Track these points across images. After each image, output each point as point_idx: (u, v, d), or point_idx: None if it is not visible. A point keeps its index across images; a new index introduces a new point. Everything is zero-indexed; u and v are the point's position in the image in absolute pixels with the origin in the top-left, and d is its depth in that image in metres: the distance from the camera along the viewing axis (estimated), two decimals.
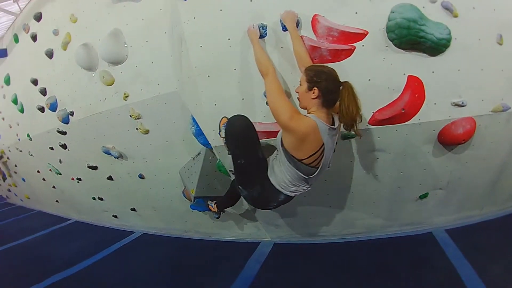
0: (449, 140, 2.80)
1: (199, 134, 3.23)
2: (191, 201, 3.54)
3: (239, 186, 2.56)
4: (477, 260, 2.75)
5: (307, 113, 2.28)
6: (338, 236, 3.53)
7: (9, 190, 8.74)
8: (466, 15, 2.55)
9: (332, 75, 2.22)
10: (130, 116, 3.66)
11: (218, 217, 3.57)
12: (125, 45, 3.44)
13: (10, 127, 6.22)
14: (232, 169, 3.13)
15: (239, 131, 2.40)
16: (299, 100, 2.35)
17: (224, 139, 2.69)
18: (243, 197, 2.64)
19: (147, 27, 3.28)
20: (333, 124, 2.29)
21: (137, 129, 3.74)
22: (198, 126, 3.19)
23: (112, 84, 3.67)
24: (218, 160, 3.29)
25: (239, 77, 2.76)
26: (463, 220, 3.38)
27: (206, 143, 3.24)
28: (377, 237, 3.43)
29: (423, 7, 2.47)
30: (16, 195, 8.45)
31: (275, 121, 2.26)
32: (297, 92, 2.33)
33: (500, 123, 2.86)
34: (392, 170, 3.02)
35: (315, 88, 2.20)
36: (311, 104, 2.25)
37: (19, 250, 4.95)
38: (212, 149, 3.25)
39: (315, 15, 2.55)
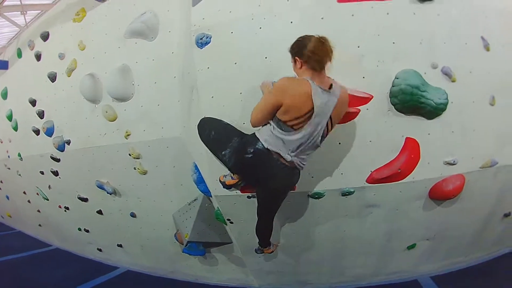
0: (440, 196, 2.92)
1: (200, 181, 3.18)
2: (183, 244, 3.47)
3: (221, 155, 2.60)
4: None
5: None
6: (326, 285, 3.52)
7: None
8: (463, 79, 2.71)
9: (307, 38, 2.19)
10: (130, 155, 3.58)
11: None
12: (133, 83, 3.39)
13: (1, 142, 6.05)
14: (230, 219, 3.14)
15: (207, 118, 2.70)
16: None
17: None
18: (225, 158, 2.59)
19: (157, 69, 3.26)
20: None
21: (135, 168, 3.65)
22: (200, 174, 3.14)
23: (114, 120, 3.60)
24: (217, 209, 3.22)
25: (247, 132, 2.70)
26: (449, 267, 3.46)
27: (206, 191, 3.19)
28: (364, 286, 3.46)
29: (425, 72, 2.61)
30: None
31: None
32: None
33: (488, 178, 3.00)
34: (384, 224, 3.09)
35: (296, 58, 2.22)
36: (304, 75, 2.22)
37: None
38: (210, 197, 3.20)
39: None
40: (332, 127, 2.34)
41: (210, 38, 2.73)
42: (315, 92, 2.15)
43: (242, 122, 2.69)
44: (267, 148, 2.31)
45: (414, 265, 3.41)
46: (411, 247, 3.25)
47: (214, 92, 2.75)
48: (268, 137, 2.31)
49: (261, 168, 2.39)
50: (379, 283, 3.44)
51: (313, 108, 2.16)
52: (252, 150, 2.36)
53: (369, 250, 3.27)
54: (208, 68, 2.74)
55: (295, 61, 2.26)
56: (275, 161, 2.33)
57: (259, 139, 2.34)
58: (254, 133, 2.41)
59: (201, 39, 2.74)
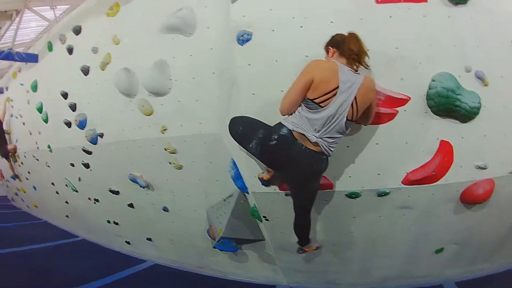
0: (471, 199, 2.92)
1: (237, 178, 3.19)
2: (215, 240, 3.50)
3: (249, 147, 2.59)
4: None
5: None
6: (353, 285, 3.53)
7: (16, 194, 8.62)
8: (495, 83, 2.72)
9: (339, 34, 2.44)
10: (165, 149, 3.59)
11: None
12: (170, 78, 3.40)
13: (30, 133, 6.17)
14: (266, 216, 3.16)
15: (235, 117, 2.74)
16: None
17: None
18: (253, 150, 2.57)
19: (196, 64, 3.26)
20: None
21: (170, 163, 3.67)
22: (237, 170, 3.16)
23: (150, 114, 3.63)
24: (253, 206, 3.24)
25: None
26: (473, 273, 3.44)
27: (243, 187, 3.21)
28: None
29: (459, 76, 2.63)
30: (23, 200, 8.30)
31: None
32: None
33: None
34: (415, 226, 3.09)
35: (329, 47, 2.46)
36: None
37: (21, 258, 4.80)
38: (247, 193, 3.22)
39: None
40: (357, 112, 2.37)
41: (251, 35, 2.74)
42: (342, 70, 2.31)
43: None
44: (291, 133, 2.37)
45: (440, 270, 3.39)
46: (439, 251, 3.24)
47: (255, 89, 2.77)
48: (294, 118, 2.39)
49: (285, 154, 2.41)
50: (405, 286, 3.44)
51: (338, 85, 2.28)
52: (276, 137, 2.40)
53: (398, 252, 3.27)
54: (249, 65, 2.76)
55: (327, 51, 2.47)
56: (299, 146, 2.37)
57: (284, 125, 2.40)
58: (280, 121, 2.46)
59: (242, 36, 2.74)
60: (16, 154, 7.16)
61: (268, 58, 2.73)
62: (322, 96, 2.28)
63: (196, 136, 3.37)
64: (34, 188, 7.10)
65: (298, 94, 2.34)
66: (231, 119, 2.73)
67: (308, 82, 2.30)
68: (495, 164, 2.82)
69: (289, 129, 2.37)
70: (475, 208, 2.99)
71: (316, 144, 2.36)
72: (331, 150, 2.42)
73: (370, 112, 2.51)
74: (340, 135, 2.41)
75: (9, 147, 7.24)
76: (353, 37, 2.36)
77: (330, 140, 2.38)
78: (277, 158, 2.50)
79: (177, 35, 3.34)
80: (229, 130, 2.73)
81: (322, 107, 2.29)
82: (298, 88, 2.34)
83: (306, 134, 2.34)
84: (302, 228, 2.89)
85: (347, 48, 2.34)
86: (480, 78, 2.69)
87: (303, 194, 2.67)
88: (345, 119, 2.33)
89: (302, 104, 2.37)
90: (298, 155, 2.39)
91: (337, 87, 2.27)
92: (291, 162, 2.44)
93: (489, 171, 2.81)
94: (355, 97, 2.31)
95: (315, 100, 2.30)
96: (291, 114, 2.41)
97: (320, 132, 2.34)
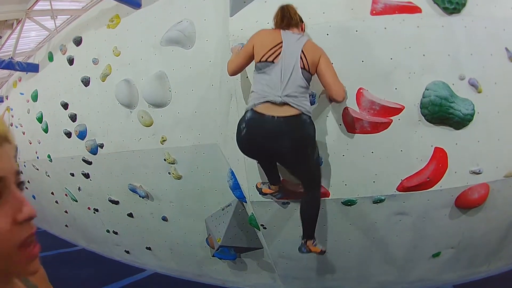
0: (466, 204, 2.92)
1: (235, 187, 3.23)
2: (214, 249, 3.52)
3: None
4: None
5: None
6: None
7: None
8: (488, 90, 2.73)
9: (277, 10, 2.50)
10: (165, 160, 3.64)
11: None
12: (170, 90, 3.46)
13: (30, 143, 6.18)
14: (264, 224, 3.17)
15: None
16: None
17: None
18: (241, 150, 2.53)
19: (195, 76, 3.32)
20: None
21: (169, 173, 3.71)
22: (236, 180, 3.19)
23: (150, 125, 3.68)
24: (251, 214, 3.27)
25: None
26: (471, 276, 3.45)
27: (241, 197, 3.24)
28: None
29: (453, 84, 2.65)
30: None
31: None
32: None
33: (511, 186, 2.98)
34: (411, 231, 3.10)
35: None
36: None
37: None
38: (245, 202, 3.25)
39: (360, 88, 2.66)
40: (308, 63, 2.34)
41: None
42: (284, 32, 2.40)
43: None
44: (255, 112, 2.28)
45: (438, 273, 3.41)
46: (436, 255, 3.26)
47: None
48: (253, 89, 2.38)
49: (262, 134, 2.29)
50: None
51: (282, 41, 2.34)
52: (244, 125, 2.33)
53: (395, 257, 3.29)
54: (247, 77, 2.79)
55: None
56: (270, 119, 2.24)
57: (246, 110, 2.34)
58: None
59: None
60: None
61: None
62: (268, 52, 2.32)
63: (195, 146, 3.42)
64: (34, 197, 7.09)
65: (241, 57, 2.48)
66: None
67: (250, 49, 2.41)
68: (490, 169, 2.84)
69: (252, 110, 2.29)
70: (471, 212, 3.01)
71: (284, 103, 2.24)
72: (306, 105, 2.31)
73: (326, 76, 2.41)
74: (304, 89, 2.32)
75: None
76: (280, 10, 2.47)
77: (296, 95, 2.27)
78: (260, 145, 2.35)
79: (177, 47, 3.40)
80: None
81: (273, 62, 2.30)
82: (241, 55, 2.48)
83: (269, 99, 2.25)
84: (311, 213, 2.66)
85: (276, 22, 2.46)
86: (474, 85, 2.70)
87: (305, 168, 2.49)
88: (300, 69, 2.29)
89: (255, 72, 2.40)
90: (276, 128, 2.25)
91: (281, 43, 2.33)
92: (273, 139, 2.27)
93: (483, 175, 2.83)
94: (302, 51, 2.33)
95: (262, 59, 2.33)
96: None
97: (281, 90, 2.25)
